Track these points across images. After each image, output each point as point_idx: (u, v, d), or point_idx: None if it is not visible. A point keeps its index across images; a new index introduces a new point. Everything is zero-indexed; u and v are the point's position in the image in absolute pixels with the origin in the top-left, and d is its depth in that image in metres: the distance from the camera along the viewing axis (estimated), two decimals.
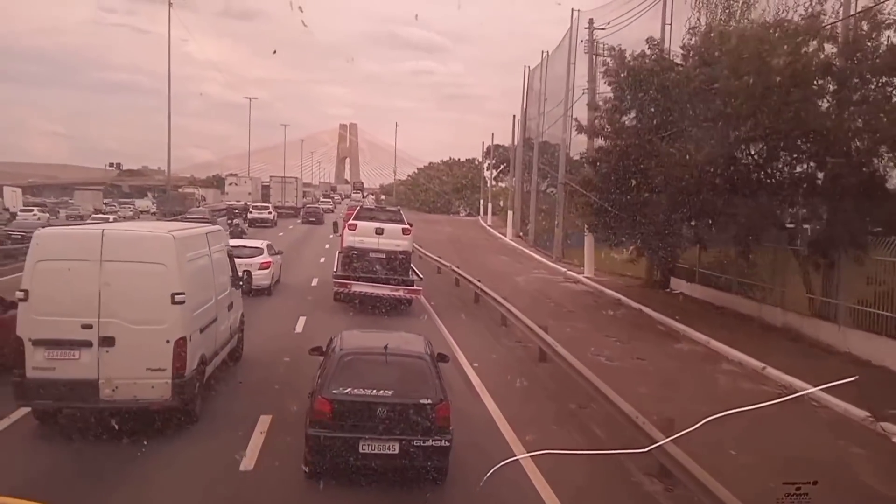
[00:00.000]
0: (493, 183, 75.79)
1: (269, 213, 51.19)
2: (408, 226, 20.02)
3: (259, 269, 19.69)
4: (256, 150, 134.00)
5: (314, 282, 23.15)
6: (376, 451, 7.52)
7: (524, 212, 48.38)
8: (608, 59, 20.96)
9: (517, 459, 5.70)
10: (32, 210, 50.58)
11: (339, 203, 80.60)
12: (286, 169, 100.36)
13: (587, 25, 29.36)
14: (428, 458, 7.61)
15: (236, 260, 13.42)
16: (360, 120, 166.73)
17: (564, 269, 30.64)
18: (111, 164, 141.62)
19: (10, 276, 17.73)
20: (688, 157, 16.75)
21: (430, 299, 20.54)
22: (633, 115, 20.12)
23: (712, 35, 17.73)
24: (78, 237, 9.47)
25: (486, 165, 77.35)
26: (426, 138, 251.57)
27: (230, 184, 72.04)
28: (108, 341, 8.74)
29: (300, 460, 7.77)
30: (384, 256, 19.25)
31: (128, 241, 9.26)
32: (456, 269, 25.31)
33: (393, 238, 19.43)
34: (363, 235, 19.41)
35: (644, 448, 6.66)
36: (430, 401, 7.71)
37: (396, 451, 7.54)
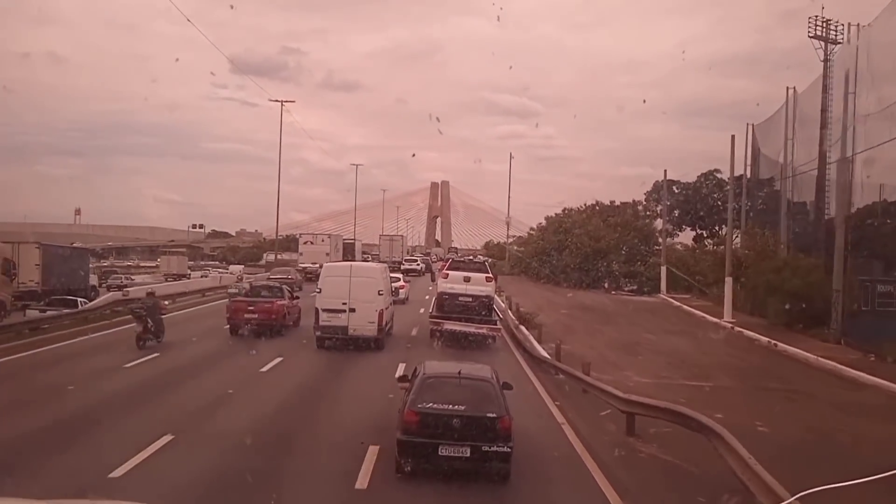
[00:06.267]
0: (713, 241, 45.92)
1: (418, 264, 64.52)
2: (490, 275, 24.53)
3: (399, 288, 32.48)
4: (346, 211, 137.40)
5: (421, 310, 35.40)
6: (452, 455, 9.11)
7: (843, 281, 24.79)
8: None
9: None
10: None
11: (436, 262, 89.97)
12: (358, 229, 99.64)
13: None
14: (493, 461, 9.17)
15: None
16: (453, 181, 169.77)
17: None
18: (194, 226, 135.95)
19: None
20: None
21: None
22: None
23: None
24: (342, 267, 22.30)
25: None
26: (517, 199, 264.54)
27: (305, 242, 57.96)
28: (352, 310, 21.02)
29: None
30: (471, 299, 23.53)
31: (362, 268, 22.15)
32: None
33: (478, 285, 23.78)
34: (453, 283, 23.90)
35: None
36: (495, 414, 9.26)
37: (468, 455, 9.10)
